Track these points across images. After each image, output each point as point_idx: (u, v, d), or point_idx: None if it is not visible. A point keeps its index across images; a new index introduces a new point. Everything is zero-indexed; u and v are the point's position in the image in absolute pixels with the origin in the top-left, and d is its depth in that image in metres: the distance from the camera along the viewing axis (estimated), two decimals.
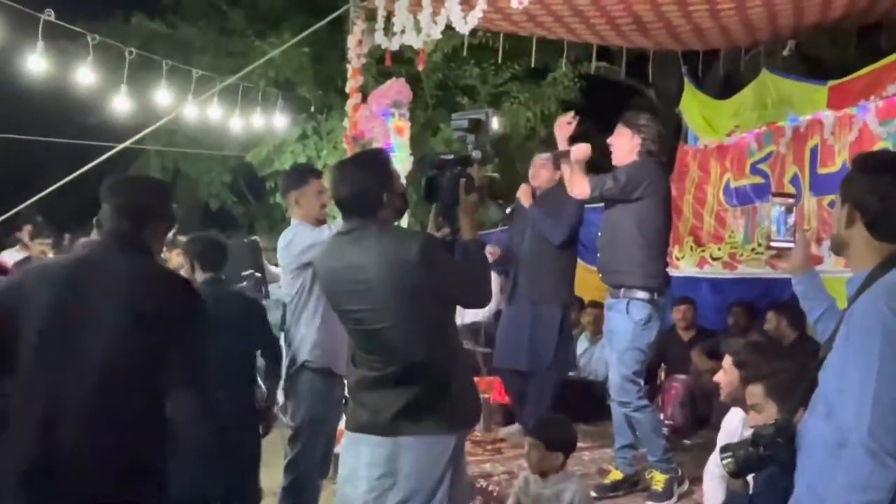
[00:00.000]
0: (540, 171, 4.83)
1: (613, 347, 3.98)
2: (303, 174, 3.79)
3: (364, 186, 2.45)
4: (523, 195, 4.84)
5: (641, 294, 3.84)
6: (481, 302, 2.57)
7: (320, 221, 3.66)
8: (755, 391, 2.54)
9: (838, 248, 1.93)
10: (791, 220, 2.20)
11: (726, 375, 2.89)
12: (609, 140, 4.04)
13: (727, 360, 2.89)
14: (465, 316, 6.47)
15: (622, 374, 3.89)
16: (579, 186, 3.91)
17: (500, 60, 7.46)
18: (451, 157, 2.65)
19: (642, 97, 10.17)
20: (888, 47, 5.72)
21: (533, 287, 4.77)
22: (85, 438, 1.98)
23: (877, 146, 4.90)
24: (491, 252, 4.85)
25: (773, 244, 2.21)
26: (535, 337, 4.76)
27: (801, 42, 6.51)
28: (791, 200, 2.25)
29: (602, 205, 4.17)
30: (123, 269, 2.07)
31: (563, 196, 4.41)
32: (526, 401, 4.90)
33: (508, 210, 5.05)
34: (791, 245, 2.20)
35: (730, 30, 5.56)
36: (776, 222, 2.20)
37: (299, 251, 3.46)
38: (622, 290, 3.89)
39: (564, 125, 3.92)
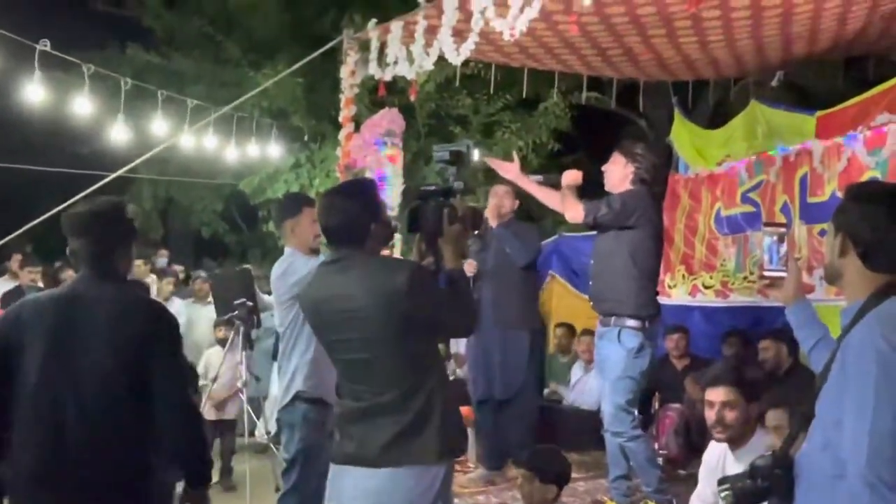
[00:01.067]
0: (504, 200, 4.89)
1: (606, 377, 3.97)
2: (297, 203, 3.79)
3: (351, 216, 2.45)
4: (491, 214, 4.88)
5: (632, 322, 3.85)
6: (467, 330, 2.60)
7: (314, 250, 3.64)
8: (778, 415, 2.53)
9: (832, 277, 1.94)
10: (783, 249, 2.21)
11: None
12: (604, 167, 4.07)
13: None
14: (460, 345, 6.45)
15: (615, 404, 3.87)
16: (572, 210, 3.94)
17: (492, 91, 7.50)
18: (433, 187, 2.68)
19: (633, 127, 10.25)
20: (875, 78, 5.79)
21: (499, 311, 4.76)
22: (86, 452, 2.23)
23: (865, 175, 4.93)
24: (468, 265, 4.83)
25: (765, 273, 2.22)
26: (506, 362, 4.75)
27: (790, 73, 6.58)
28: (783, 230, 2.26)
29: (593, 233, 4.18)
30: (106, 299, 2.33)
31: (524, 224, 5.03)
32: (488, 433, 4.88)
33: (477, 232, 5.05)
34: (783, 274, 2.20)
35: (719, 61, 5.63)
36: (768, 251, 2.22)
37: (294, 281, 3.43)
38: (613, 318, 3.90)
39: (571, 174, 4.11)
